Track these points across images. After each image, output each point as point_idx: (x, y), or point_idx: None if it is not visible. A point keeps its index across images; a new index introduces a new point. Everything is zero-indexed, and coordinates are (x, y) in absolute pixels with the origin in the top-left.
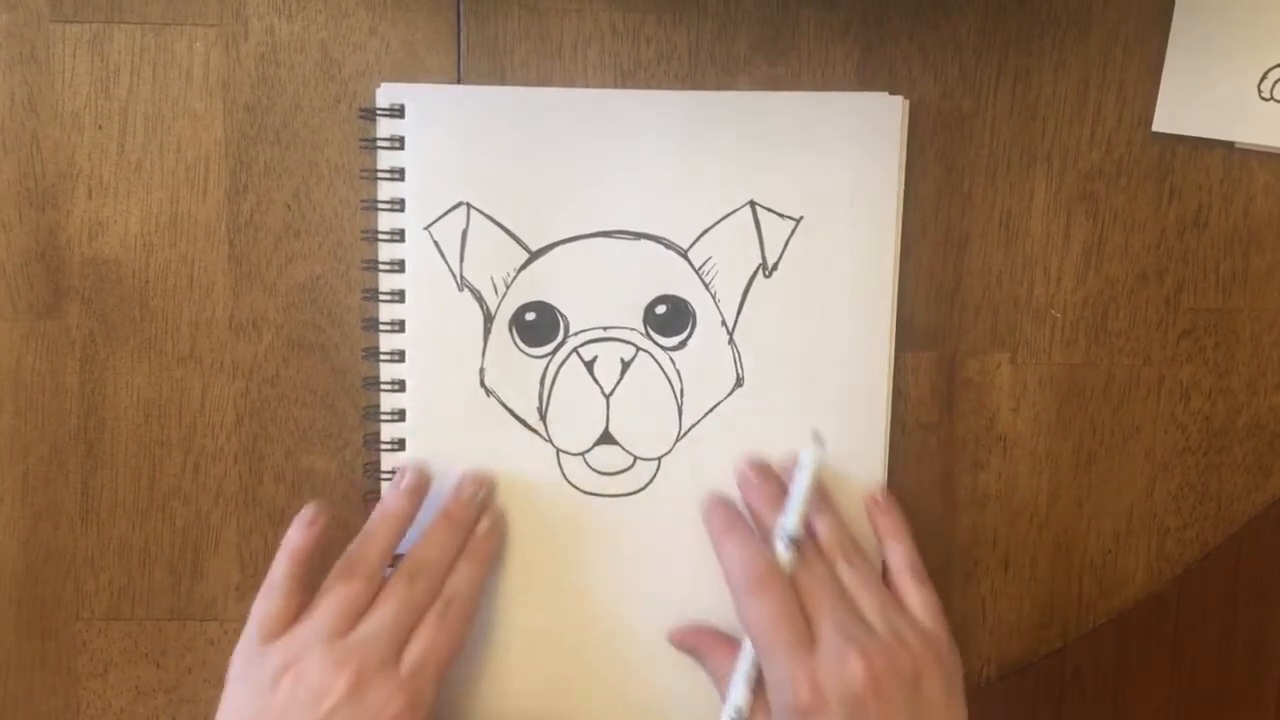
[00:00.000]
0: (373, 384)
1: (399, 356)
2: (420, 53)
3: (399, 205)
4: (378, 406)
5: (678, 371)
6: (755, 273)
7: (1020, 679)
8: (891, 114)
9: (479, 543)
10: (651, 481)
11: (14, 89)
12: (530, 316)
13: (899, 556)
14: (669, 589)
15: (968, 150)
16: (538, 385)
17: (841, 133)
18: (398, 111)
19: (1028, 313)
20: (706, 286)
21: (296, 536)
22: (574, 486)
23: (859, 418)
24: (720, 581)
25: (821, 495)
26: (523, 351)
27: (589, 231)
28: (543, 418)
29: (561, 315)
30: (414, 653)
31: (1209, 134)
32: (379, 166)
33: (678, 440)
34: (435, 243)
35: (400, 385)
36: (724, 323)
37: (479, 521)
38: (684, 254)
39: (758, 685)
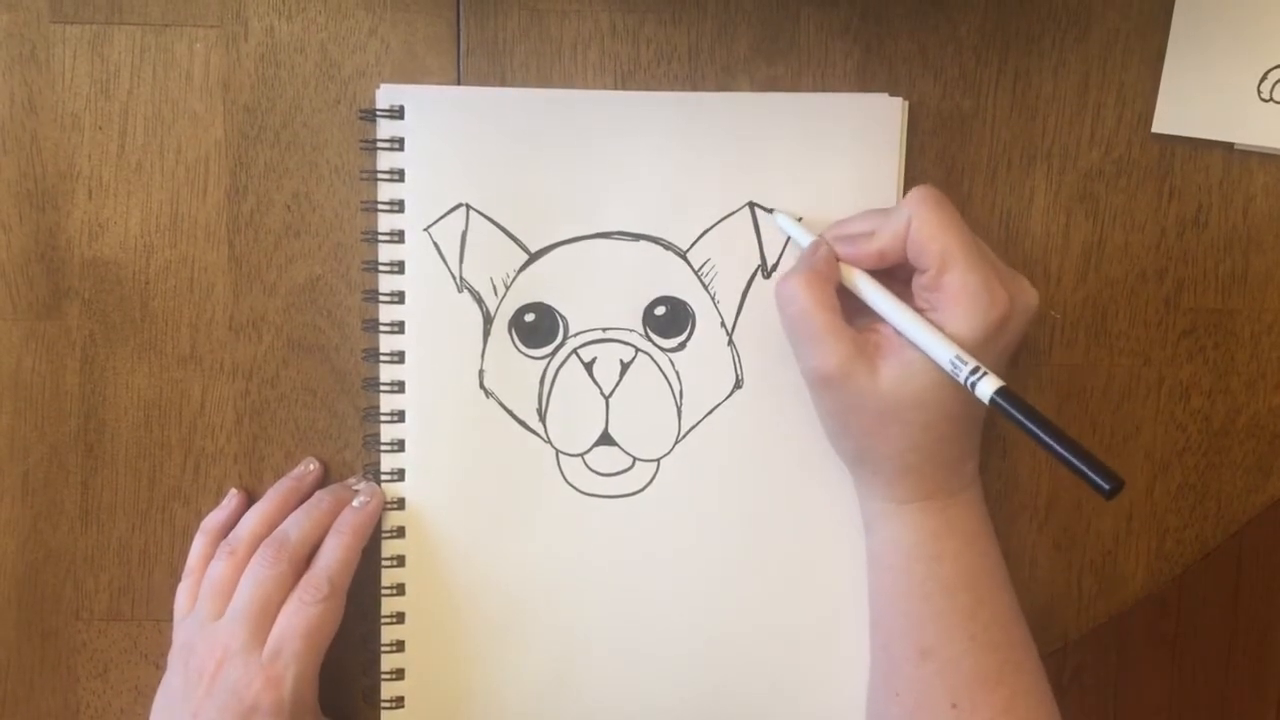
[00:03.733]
0: (372, 385)
1: (399, 358)
2: (420, 53)
3: (398, 206)
4: (377, 407)
5: (677, 373)
6: (754, 274)
7: None
8: (891, 115)
9: (346, 518)
10: (651, 482)
11: (14, 89)
12: (530, 318)
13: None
14: (668, 589)
15: (967, 150)
16: (537, 386)
17: (841, 133)
18: (397, 112)
19: None
20: (706, 287)
21: (210, 518)
22: (573, 488)
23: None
24: (720, 582)
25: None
26: (522, 353)
27: (588, 233)
28: (542, 419)
29: (561, 316)
30: (273, 634)
31: (1209, 134)
32: (379, 167)
33: (677, 441)
34: (435, 244)
35: (400, 386)
36: (723, 324)
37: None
38: (683, 255)
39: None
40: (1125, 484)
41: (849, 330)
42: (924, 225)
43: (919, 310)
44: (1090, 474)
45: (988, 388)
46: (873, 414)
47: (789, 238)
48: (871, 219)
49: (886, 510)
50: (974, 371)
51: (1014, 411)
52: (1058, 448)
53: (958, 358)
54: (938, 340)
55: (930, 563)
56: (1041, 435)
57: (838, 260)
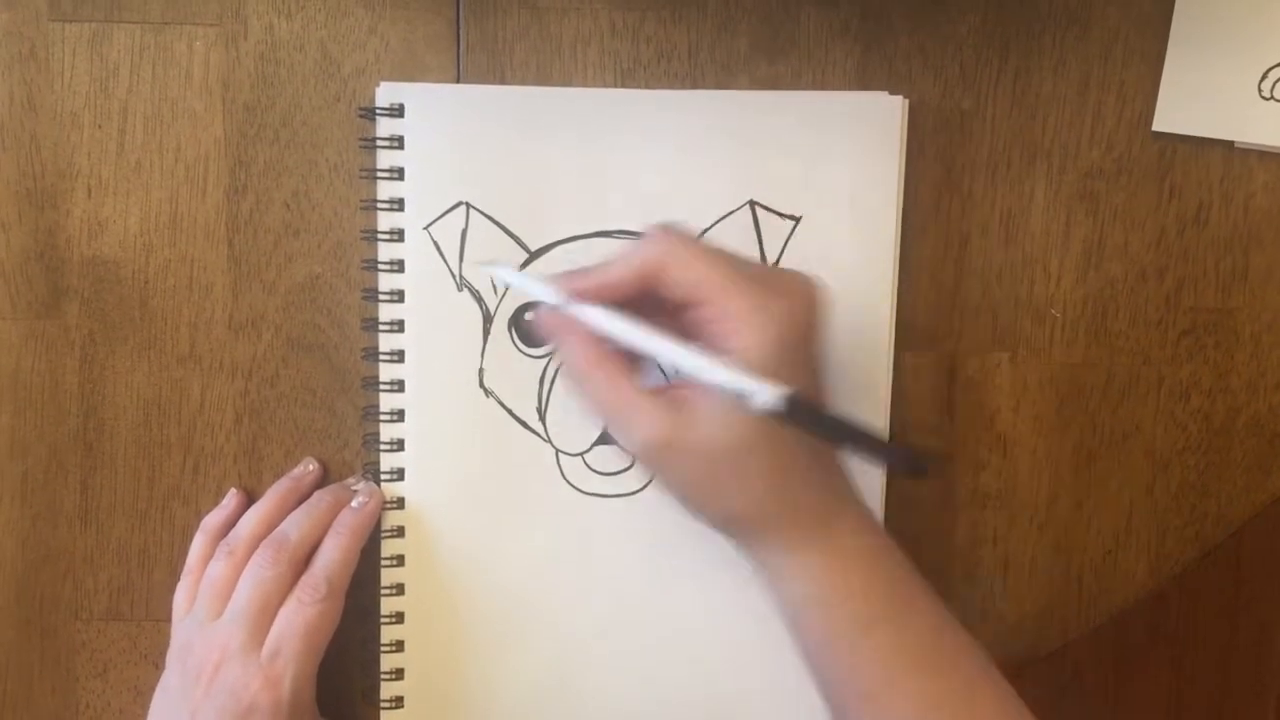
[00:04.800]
0: (372, 384)
1: (398, 356)
2: (420, 52)
3: (398, 205)
4: (377, 406)
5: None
6: None
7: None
8: (891, 113)
9: (345, 518)
10: (650, 482)
11: (13, 88)
12: (530, 316)
13: None
14: (668, 589)
15: (967, 149)
16: (537, 385)
17: (841, 132)
18: (397, 111)
19: (1028, 312)
20: None
21: (210, 517)
22: (573, 487)
23: (859, 418)
24: (719, 583)
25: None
26: (522, 352)
27: (588, 231)
28: (542, 418)
29: None
30: (272, 634)
31: (1209, 133)
32: (378, 166)
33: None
34: (434, 242)
35: (399, 385)
36: None
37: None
38: None
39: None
40: (942, 456)
41: (658, 392)
42: (684, 262)
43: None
44: (900, 461)
45: (779, 401)
46: (713, 473)
47: (788, 237)
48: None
49: (774, 565)
50: (758, 392)
51: (808, 420)
52: (859, 445)
53: (743, 383)
54: (720, 368)
55: (837, 606)
56: (840, 436)
57: (598, 309)
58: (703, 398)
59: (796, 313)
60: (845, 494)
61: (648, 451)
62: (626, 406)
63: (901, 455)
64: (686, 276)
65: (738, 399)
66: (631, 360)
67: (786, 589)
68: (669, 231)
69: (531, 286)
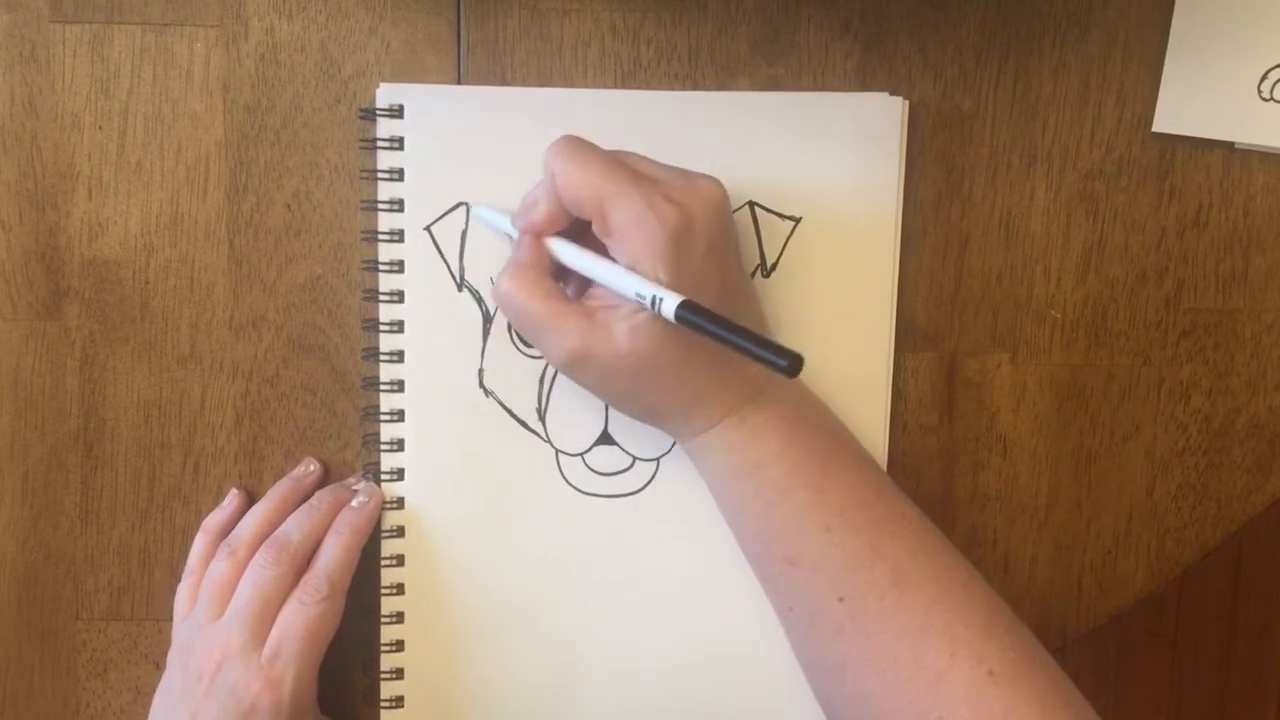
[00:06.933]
0: (372, 384)
1: (398, 357)
2: (420, 53)
3: (398, 205)
4: (377, 407)
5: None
6: (754, 273)
7: None
8: (891, 114)
9: (345, 518)
10: (650, 482)
11: (14, 89)
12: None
13: None
14: (667, 589)
15: (967, 150)
16: (537, 386)
17: (841, 133)
18: (397, 112)
19: (1028, 313)
20: None
21: (210, 518)
22: (573, 487)
23: (859, 418)
24: (718, 584)
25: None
26: (522, 352)
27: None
28: (542, 418)
29: None
30: (273, 635)
31: (1209, 134)
32: (378, 166)
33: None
34: (435, 243)
35: (400, 386)
36: None
37: (354, 499)
38: None
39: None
40: (803, 359)
41: (574, 307)
42: (567, 181)
43: (612, 258)
44: (770, 357)
45: (670, 307)
46: (630, 374)
47: (788, 237)
48: (537, 188)
49: (693, 447)
50: (655, 299)
51: (700, 322)
52: (739, 341)
53: (638, 290)
54: (621, 278)
55: (753, 473)
56: (725, 335)
57: (539, 241)
58: (611, 308)
59: (695, 209)
60: (760, 370)
61: (568, 362)
62: (551, 317)
63: (775, 352)
64: (582, 194)
65: (638, 305)
66: (561, 278)
67: (706, 463)
68: (561, 148)
69: (496, 220)
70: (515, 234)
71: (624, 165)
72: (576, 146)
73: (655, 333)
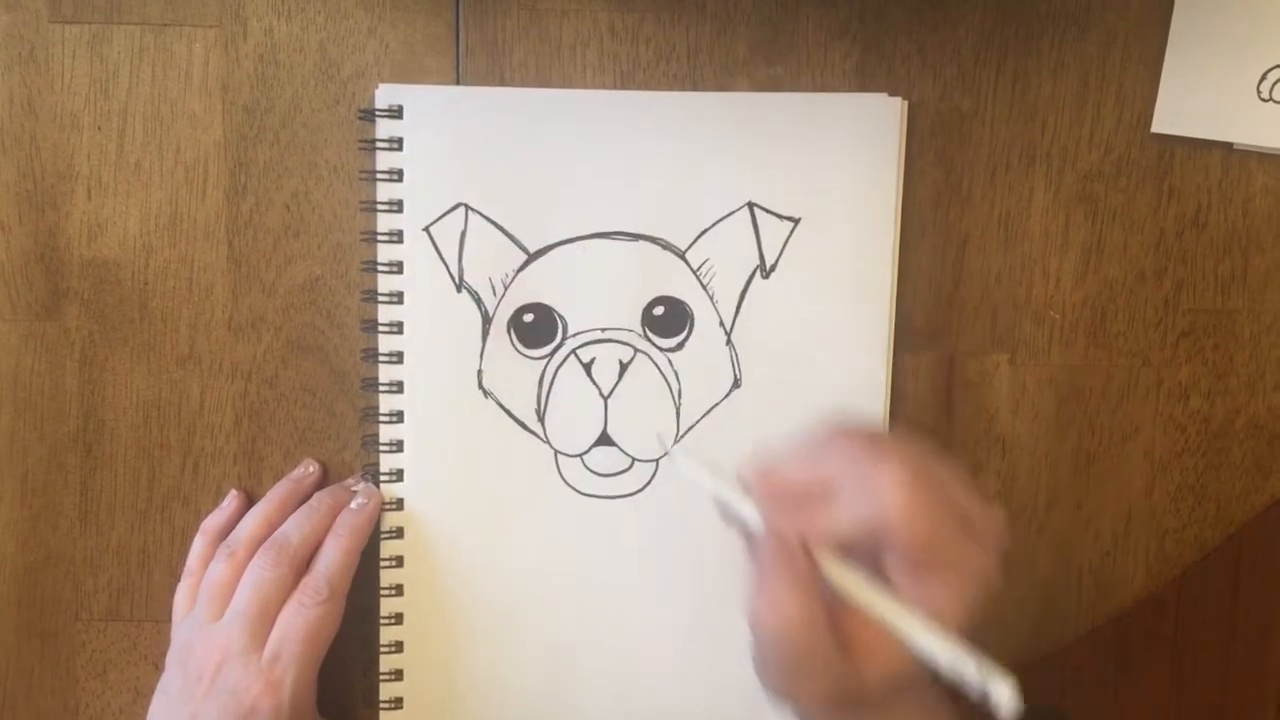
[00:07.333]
0: (371, 385)
1: (397, 358)
2: (419, 53)
3: (397, 206)
4: (376, 408)
5: (675, 373)
6: (753, 274)
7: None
8: (890, 115)
9: (345, 520)
10: (649, 483)
11: (13, 90)
12: (528, 318)
13: None
14: (666, 590)
15: (967, 151)
16: (536, 387)
17: (840, 134)
18: (396, 112)
19: (1027, 313)
20: (704, 287)
21: (210, 519)
22: (572, 488)
23: (858, 419)
24: (717, 584)
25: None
26: (521, 353)
27: (587, 233)
28: (541, 419)
29: (559, 317)
30: (273, 637)
31: (1208, 134)
32: (377, 167)
33: (676, 441)
34: (434, 244)
35: (399, 387)
36: (722, 324)
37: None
38: (682, 255)
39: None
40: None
41: (830, 638)
42: (910, 516)
43: (888, 582)
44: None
45: (1003, 696)
46: (841, 697)
47: (787, 238)
48: (808, 464)
49: None
50: (979, 670)
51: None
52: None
53: (957, 656)
54: (934, 638)
55: None
56: None
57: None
58: (875, 641)
59: (988, 568)
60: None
61: (813, 704)
62: (820, 653)
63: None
64: (918, 528)
65: (951, 669)
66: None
67: None
68: (913, 475)
69: (744, 510)
70: (758, 522)
71: (949, 493)
72: (924, 473)
73: (904, 682)
